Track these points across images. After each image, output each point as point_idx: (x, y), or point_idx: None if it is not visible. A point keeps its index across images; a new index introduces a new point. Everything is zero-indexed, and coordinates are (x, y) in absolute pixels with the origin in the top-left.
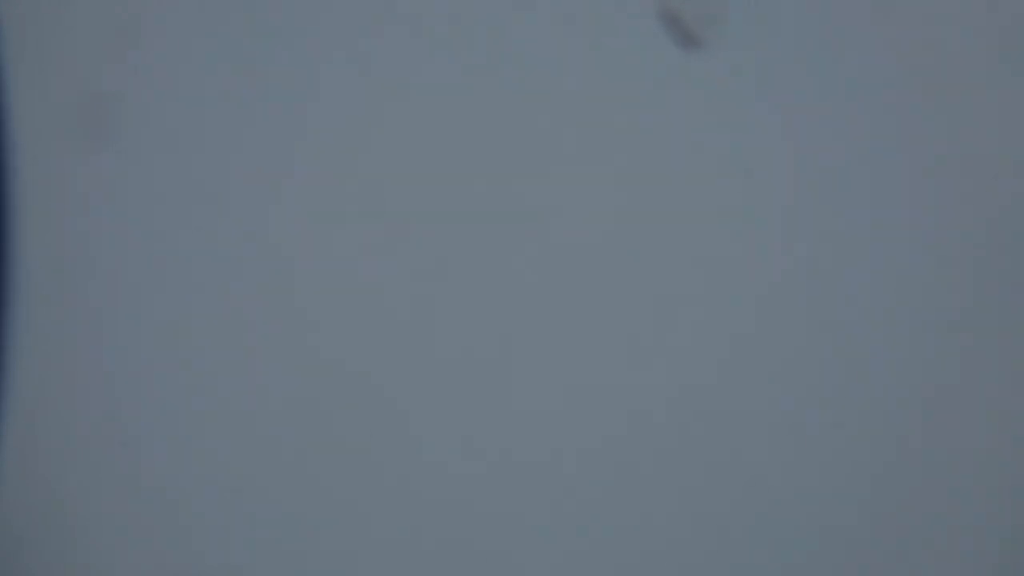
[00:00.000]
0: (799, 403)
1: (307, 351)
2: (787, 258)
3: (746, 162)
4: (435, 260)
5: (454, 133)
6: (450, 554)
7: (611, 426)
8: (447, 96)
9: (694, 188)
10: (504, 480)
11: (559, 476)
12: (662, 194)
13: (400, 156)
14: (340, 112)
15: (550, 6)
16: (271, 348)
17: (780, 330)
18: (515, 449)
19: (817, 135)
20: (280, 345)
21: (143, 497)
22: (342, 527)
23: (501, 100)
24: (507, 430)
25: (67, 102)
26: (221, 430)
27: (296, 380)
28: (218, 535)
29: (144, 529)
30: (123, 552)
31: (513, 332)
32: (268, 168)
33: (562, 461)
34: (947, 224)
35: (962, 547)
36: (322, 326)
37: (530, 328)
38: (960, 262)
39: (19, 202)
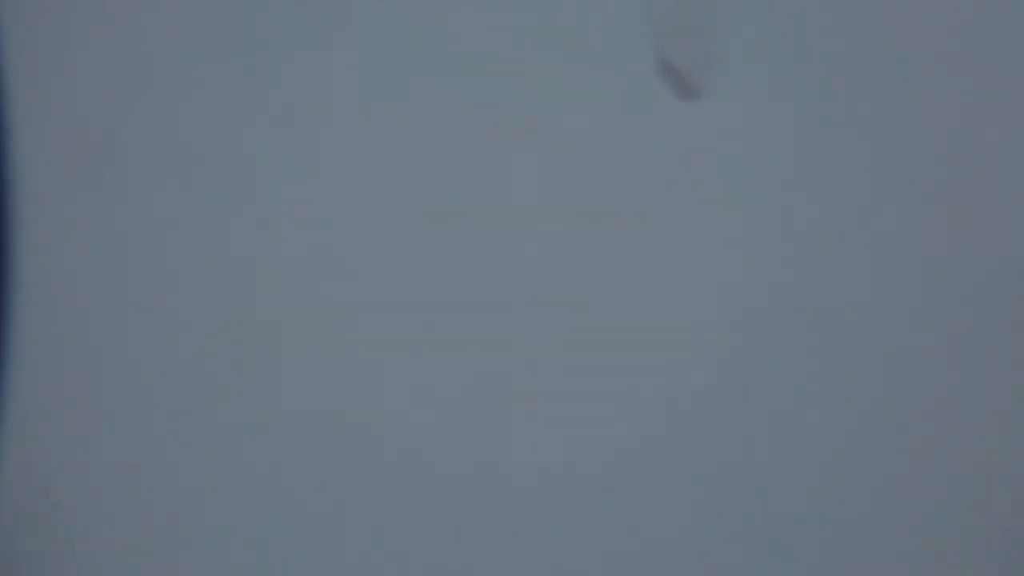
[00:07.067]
0: (795, 407)
1: (305, 364)
2: (786, 262)
3: (745, 174)
4: (433, 281)
5: (452, 178)
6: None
7: (608, 432)
8: (449, 143)
9: (694, 198)
10: (496, 482)
11: (555, 479)
12: (661, 203)
13: (402, 195)
14: (339, 151)
15: (548, 56)
16: (266, 363)
17: (778, 336)
18: (512, 456)
19: (815, 173)
20: (276, 357)
21: (141, 499)
22: (339, 536)
23: (499, 139)
24: (501, 437)
25: (68, 139)
26: (219, 435)
27: (294, 389)
28: (216, 537)
29: (143, 531)
30: (122, 553)
31: (512, 342)
32: (265, 204)
33: (560, 467)
34: (947, 238)
35: (962, 547)
36: (319, 344)
37: (533, 339)
38: (962, 271)
39: (20, 234)
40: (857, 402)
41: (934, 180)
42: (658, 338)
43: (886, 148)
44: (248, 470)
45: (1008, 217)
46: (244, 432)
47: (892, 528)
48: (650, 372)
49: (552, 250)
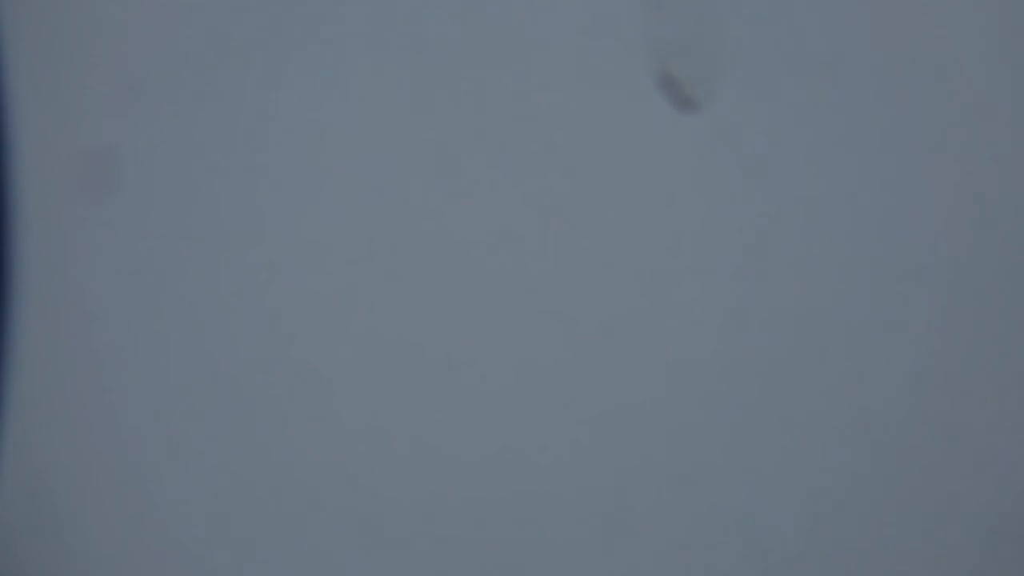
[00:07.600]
0: (793, 407)
1: (306, 368)
2: (785, 265)
3: (744, 179)
4: (434, 283)
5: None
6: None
7: (606, 431)
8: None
9: (692, 203)
10: (492, 480)
11: (545, 481)
12: (659, 208)
13: (404, 205)
14: (343, 163)
15: (546, 70)
16: (267, 366)
17: (777, 339)
18: (497, 453)
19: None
20: (277, 361)
21: (140, 501)
22: (338, 531)
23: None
24: (498, 434)
25: (71, 153)
26: (220, 436)
27: (295, 392)
28: (216, 537)
29: (141, 531)
30: (121, 553)
31: (509, 339)
32: (268, 217)
33: (552, 462)
34: (947, 237)
35: (958, 546)
36: (320, 347)
37: (531, 337)
38: (963, 269)
39: (22, 246)
40: (856, 405)
41: (933, 182)
42: (655, 339)
43: (885, 153)
44: (249, 471)
45: (1011, 214)
46: (245, 433)
47: (890, 528)
48: (648, 372)
49: (551, 253)
